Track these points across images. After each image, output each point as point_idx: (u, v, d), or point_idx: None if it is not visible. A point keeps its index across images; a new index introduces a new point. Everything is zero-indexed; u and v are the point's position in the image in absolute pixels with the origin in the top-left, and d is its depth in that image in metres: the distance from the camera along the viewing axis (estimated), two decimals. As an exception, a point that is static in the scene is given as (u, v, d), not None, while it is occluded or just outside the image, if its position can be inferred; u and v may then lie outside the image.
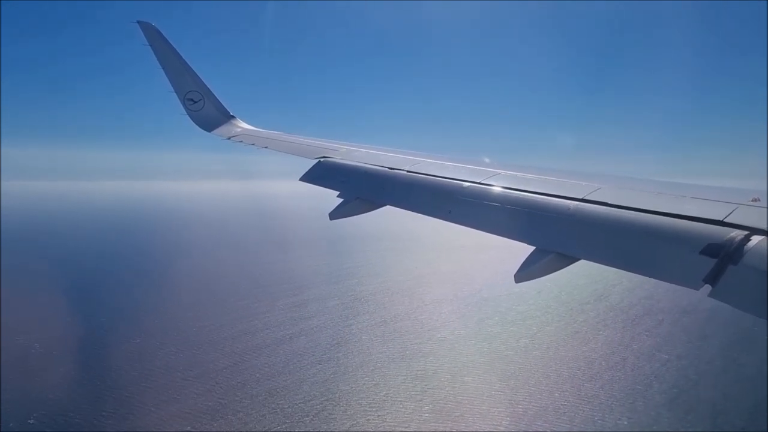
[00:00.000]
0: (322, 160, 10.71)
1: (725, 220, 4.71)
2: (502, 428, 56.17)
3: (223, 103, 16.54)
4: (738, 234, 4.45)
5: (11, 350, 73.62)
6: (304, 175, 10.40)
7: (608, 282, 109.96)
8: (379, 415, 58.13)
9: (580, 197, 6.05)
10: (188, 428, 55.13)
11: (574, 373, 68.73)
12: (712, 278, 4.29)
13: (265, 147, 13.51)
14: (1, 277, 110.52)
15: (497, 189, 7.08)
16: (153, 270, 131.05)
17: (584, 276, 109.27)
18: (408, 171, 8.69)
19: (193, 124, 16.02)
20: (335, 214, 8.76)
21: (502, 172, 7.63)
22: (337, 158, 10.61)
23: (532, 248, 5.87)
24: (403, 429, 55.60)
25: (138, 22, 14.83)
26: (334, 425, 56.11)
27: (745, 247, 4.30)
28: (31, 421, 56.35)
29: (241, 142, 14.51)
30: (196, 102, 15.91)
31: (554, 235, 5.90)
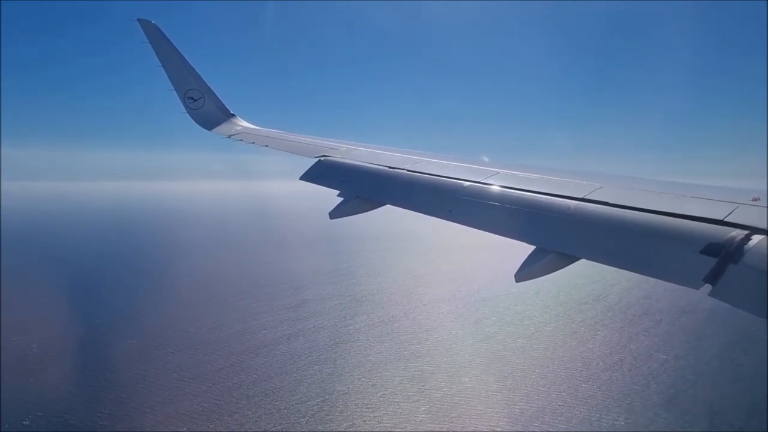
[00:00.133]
0: (322, 158, 10.70)
1: (726, 220, 4.72)
2: (499, 429, 56.13)
3: (223, 102, 16.57)
4: (738, 233, 4.46)
5: (9, 350, 73.48)
6: (304, 174, 10.39)
7: (606, 282, 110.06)
8: (375, 416, 58.06)
9: (581, 197, 6.06)
10: (184, 429, 55.02)
11: (571, 374, 68.72)
12: (713, 278, 4.30)
13: (265, 145, 13.54)
14: (1, 277, 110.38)
15: (497, 188, 7.07)
16: (153, 270, 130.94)
17: (582, 276, 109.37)
18: (408, 170, 8.68)
19: (194, 122, 16.04)
20: (335, 213, 8.75)
21: (502, 171, 7.63)
22: (337, 157, 10.60)
23: (532, 248, 5.87)
24: (400, 430, 55.53)
25: (138, 20, 14.83)
26: (330, 426, 55.98)
27: (746, 246, 4.32)
28: (26, 422, 56.06)
29: (241, 140, 14.53)
30: (196, 100, 15.93)
31: (554, 235, 5.89)
